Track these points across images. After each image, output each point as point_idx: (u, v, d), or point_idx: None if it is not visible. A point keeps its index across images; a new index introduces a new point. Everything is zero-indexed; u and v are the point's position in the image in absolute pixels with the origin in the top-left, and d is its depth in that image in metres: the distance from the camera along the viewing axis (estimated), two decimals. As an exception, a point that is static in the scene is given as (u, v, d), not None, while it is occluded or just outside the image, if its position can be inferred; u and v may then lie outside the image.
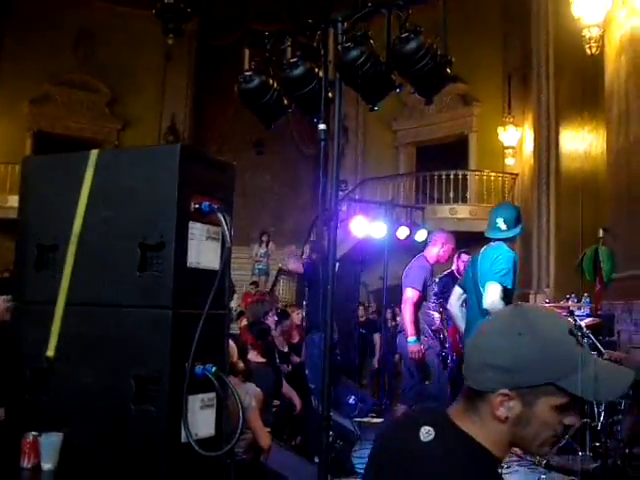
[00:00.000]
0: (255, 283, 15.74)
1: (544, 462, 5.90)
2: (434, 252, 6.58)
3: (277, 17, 19.84)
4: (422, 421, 1.63)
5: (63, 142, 18.78)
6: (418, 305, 6.33)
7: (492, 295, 5.01)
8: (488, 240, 5.49)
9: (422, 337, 6.33)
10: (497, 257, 5.19)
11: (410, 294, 6.34)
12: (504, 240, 5.35)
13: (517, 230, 5.37)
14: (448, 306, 6.26)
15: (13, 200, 18.29)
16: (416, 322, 6.35)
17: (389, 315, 12.55)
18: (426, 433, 1.58)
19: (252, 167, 20.30)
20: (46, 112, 20.81)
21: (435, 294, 6.70)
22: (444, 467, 1.52)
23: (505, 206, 5.93)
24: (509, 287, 5.14)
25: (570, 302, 7.25)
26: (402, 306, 6.43)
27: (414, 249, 11.70)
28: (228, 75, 21.40)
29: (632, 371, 1.60)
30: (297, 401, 6.66)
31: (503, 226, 5.31)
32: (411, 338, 6.29)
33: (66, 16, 20.24)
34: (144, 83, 21.46)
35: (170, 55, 20.19)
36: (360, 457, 6.45)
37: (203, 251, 2.56)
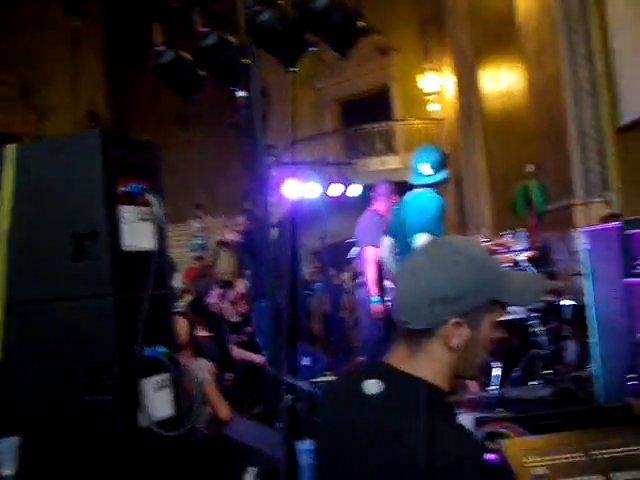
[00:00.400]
0: (200, 258, 15.61)
1: (498, 396, 6.05)
2: (383, 205, 6.49)
3: (184, -13, 19.45)
4: (364, 375, 1.63)
5: (-21, 139, 18.22)
6: (380, 262, 6.22)
7: None
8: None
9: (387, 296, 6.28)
10: (424, 205, 4.93)
11: (371, 253, 6.24)
12: (430, 185, 5.07)
13: (443, 174, 5.11)
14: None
15: None
16: (379, 281, 6.30)
17: (332, 273, 12.61)
18: (373, 385, 1.59)
19: (177, 143, 20.01)
20: (-46, 110, 20.10)
21: None
22: (397, 413, 1.53)
23: (428, 150, 5.32)
24: (439, 234, 4.81)
25: (506, 238, 7.37)
26: (364, 266, 6.35)
27: (351, 205, 11.79)
28: (142, 52, 20.89)
29: (543, 276, 1.73)
30: (258, 359, 6.65)
31: (428, 171, 5.04)
32: (374, 298, 6.25)
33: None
34: (55, 69, 20.83)
35: (78, 39, 19.66)
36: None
37: (137, 233, 2.53)
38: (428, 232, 4.74)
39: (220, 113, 21.68)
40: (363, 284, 6.56)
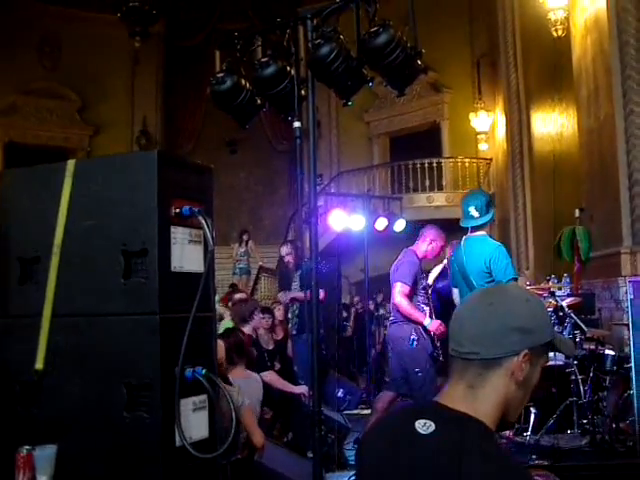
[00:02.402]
0: (234, 285, 15.68)
1: (533, 442, 5.97)
2: (422, 248, 6.51)
3: (243, 16, 19.79)
4: (415, 414, 1.63)
5: (35, 151, 18.64)
6: (410, 298, 6.26)
7: None
8: (465, 229, 5.54)
9: (414, 333, 6.22)
10: (493, 255, 5.24)
11: (400, 288, 6.27)
12: (478, 228, 5.43)
13: (489, 216, 5.46)
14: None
15: (-13, 213, 18.13)
16: (416, 307, 6.26)
17: (372, 306, 12.60)
18: (423, 426, 1.59)
19: (226, 166, 20.23)
20: (15, 122, 20.59)
21: (424, 287, 6.66)
22: (456, 456, 1.52)
23: (474, 193, 6.01)
24: (516, 277, 5.33)
25: (551, 283, 7.31)
26: (394, 301, 6.33)
27: (393, 240, 11.77)
28: (197, 75, 21.38)
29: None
30: (298, 389, 6.61)
31: (475, 214, 5.39)
32: (426, 321, 6.18)
33: (30, 24, 20.02)
34: (113, 87, 21.30)
35: (138, 59, 20.09)
36: (352, 450, 6.48)
37: (186, 255, 2.57)
38: (510, 279, 5.12)
39: (269, 140, 22.02)
40: (393, 322, 6.51)
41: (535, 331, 1.63)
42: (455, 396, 1.65)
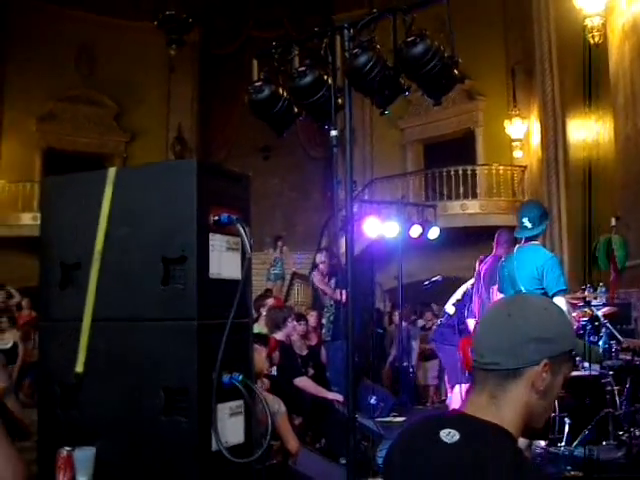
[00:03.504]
0: (269, 291, 15.73)
1: (567, 453, 5.91)
2: (504, 252, 6.54)
3: (278, 23, 19.91)
4: (440, 424, 1.65)
5: (72, 158, 18.92)
6: None
7: (564, 307, 5.04)
8: (518, 240, 5.66)
9: None
10: (547, 264, 5.31)
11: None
12: (531, 238, 5.51)
13: (542, 227, 5.55)
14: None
15: (26, 218, 18.45)
16: None
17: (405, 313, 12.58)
18: (448, 435, 1.60)
19: (260, 172, 20.30)
20: (53, 129, 20.92)
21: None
22: (481, 464, 1.54)
23: (529, 205, 6.28)
24: (566, 288, 5.38)
25: (586, 292, 7.24)
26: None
27: (426, 247, 11.75)
28: (231, 82, 21.53)
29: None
30: (332, 396, 6.61)
31: (529, 225, 5.48)
32: None
33: (67, 32, 20.35)
34: (149, 94, 21.55)
35: (173, 66, 20.30)
36: (384, 457, 6.46)
37: (224, 262, 2.60)
38: (563, 292, 5.23)
39: (304, 146, 22.10)
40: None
41: (554, 340, 1.64)
42: (479, 406, 1.67)
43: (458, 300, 7.68)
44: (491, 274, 6.51)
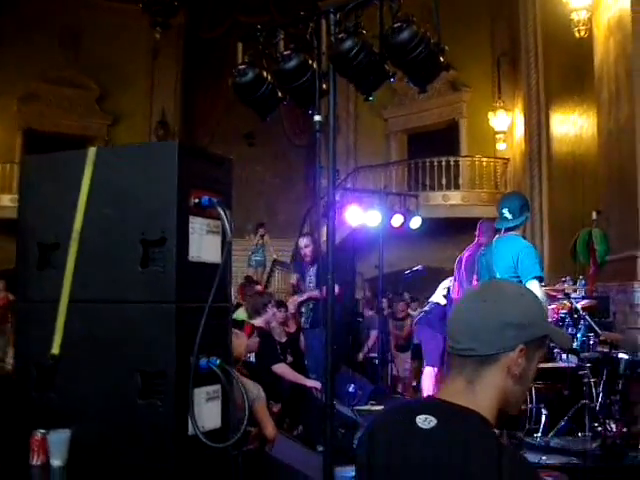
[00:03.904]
0: (248, 278, 15.68)
1: (543, 443, 5.95)
2: (486, 241, 6.55)
3: (264, 9, 19.78)
4: (415, 410, 1.65)
5: (54, 139, 18.71)
6: None
7: (538, 292, 5.07)
8: (498, 231, 5.72)
9: None
10: (522, 252, 5.36)
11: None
12: (511, 229, 5.56)
13: (522, 218, 5.62)
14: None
15: (5, 200, 18.28)
16: None
17: (385, 304, 12.60)
18: (424, 421, 1.60)
19: (243, 159, 20.22)
20: (35, 110, 20.71)
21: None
22: (458, 449, 1.54)
23: (510, 196, 6.37)
24: (541, 275, 5.40)
25: (566, 285, 7.29)
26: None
27: (408, 237, 11.76)
28: (216, 67, 21.38)
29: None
30: (310, 383, 6.59)
31: (509, 216, 5.53)
32: None
33: (51, 13, 20.14)
34: (133, 78, 21.38)
35: (158, 50, 20.15)
36: (357, 443, 6.47)
37: (204, 245, 2.58)
38: (537, 277, 5.24)
39: (287, 134, 22.04)
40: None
41: (530, 325, 1.65)
42: (455, 391, 1.66)
43: (447, 289, 7.71)
44: (472, 262, 6.56)
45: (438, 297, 7.95)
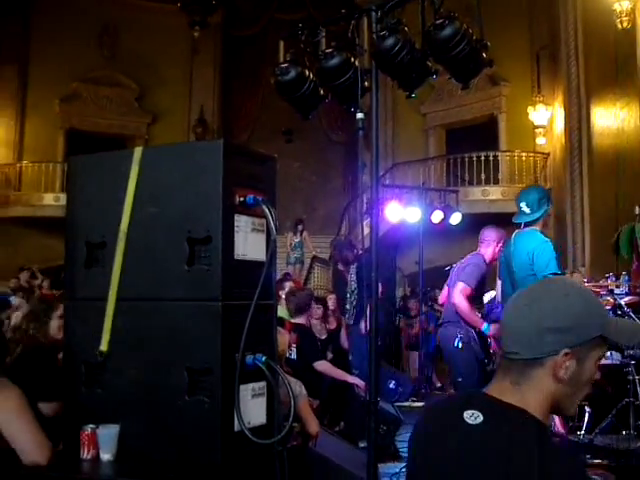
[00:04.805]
0: (288, 274, 15.71)
1: (587, 441, 5.89)
2: (489, 252, 6.35)
3: (301, 5, 19.80)
4: (464, 405, 1.66)
5: (94, 139, 18.97)
6: (470, 301, 6.11)
7: None
8: (518, 225, 5.46)
9: (460, 334, 6.09)
10: (537, 249, 5.15)
11: (461, 287, 6.13)
12: (530, 223, 5.33)
13: (541, 212, 5.34)
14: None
15: (49, 198, 18.57)
16: (474, 311, 6.13)
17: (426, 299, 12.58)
18: (471, 416, 1.61)
19: (282, 155, 19.67)
20: (76, 110, 20.97)
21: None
22: (504, 446, 1.54)
23: (528, 189, 5.90)
24: (559, 272, 5.18)
25: (609, 281, 7.20)
26: (454, 300, 6.18)
27: (448, 233, 11.71)
28: (254, 65, 21.42)
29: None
30: (352, 379, 6.58)
31: (527, 210, 5.31)
32: (484, 326, 6.07)
33: (90, 13, 20.36)
34: (171, 76, 21.54)
35: (196, 48, 20.28)
36: (403, 441, 6.47)
37: (249, 243, 2.61)
38: (554, 273, 4.99)
39: (325, 130, 22.02)
40: (443, 322, 6.42)
41: (574, 328, 1.60)
42: (502, 390, 1.66)
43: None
44: (463, 269, 6.30)
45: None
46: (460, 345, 5.99)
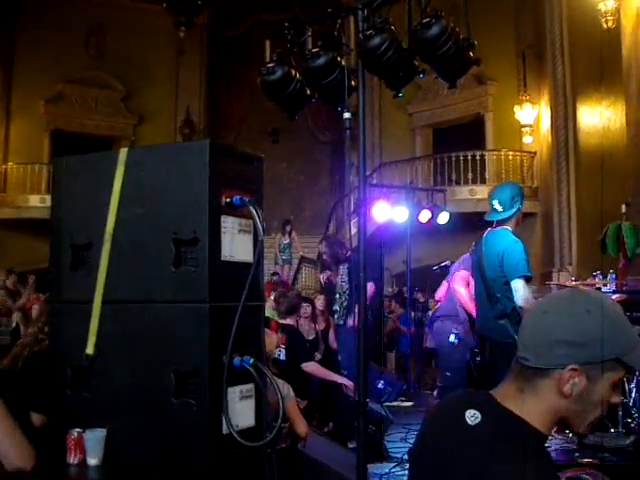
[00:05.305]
0: (276, 274, 15.73)
1: (576, 440, 5.89)
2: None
3: (287, 6, 19.78)
4: (467, 404, 1.65)
5: (80, 140, 18.91)
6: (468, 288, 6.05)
7: (522, 292, 4.85)
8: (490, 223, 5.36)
9: (455, 330, 6.09)
10: (507, 250, 5.03)
11: (462, 274, 6.07)
12: (502, 222, 5.21)
13: (513, 210, 5.21)
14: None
15: (34, 200, 18.48)
16: (471, 298, 6.05)
17: (421, 299, 12.67)
18: (472, 416, 1.61)
19: (268, 156, 19.83)
20: (62, 111, 20.90)
21: None
22: (492, 450, 1.54)
23: (501, 187, 5.75)
24: (529, 274, 5.03)
25: (596, 279, 7.21)
26: (453, 285, 6.15)
27: (435, 232, 11.70)
28: (240, 65, 21.42)
29: None
30: (341, 380, 6.56)
31: (499, 207, 5.19)
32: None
33: (76, 13, 20.29)
34: (158, 77, 21.49)
35: (182, 49, 20.23)
36: (392, 441, 6.48)
37: (236, 244, 2.59)
38: (522, 277, 4.87)
39: (311, 130, 22.02)
40: (437, 317, 6.44)
41: (587, 346, 1.55)
42: (506, 395, 1.65)
43: None
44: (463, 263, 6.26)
45: None
46: (455, 341, 6.01)
